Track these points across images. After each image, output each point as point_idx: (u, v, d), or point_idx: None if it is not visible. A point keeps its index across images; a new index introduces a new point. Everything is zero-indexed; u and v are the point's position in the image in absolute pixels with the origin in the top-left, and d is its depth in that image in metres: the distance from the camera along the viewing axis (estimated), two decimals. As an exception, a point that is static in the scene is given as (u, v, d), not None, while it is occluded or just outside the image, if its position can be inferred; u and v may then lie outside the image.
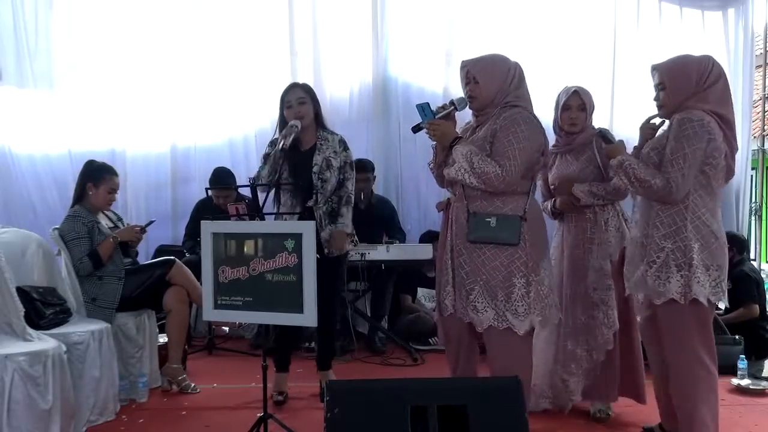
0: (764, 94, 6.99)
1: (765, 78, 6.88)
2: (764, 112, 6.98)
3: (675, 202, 2.69)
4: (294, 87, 3.64)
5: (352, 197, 3.63)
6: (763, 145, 6.88)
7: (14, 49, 5.23)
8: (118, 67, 5.39)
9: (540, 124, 2.85)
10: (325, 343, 3.75)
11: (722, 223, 2.81)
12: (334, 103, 5.62)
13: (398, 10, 5.72)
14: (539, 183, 3.35)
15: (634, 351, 3.34)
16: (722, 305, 3.50)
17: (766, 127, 7.04)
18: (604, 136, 3.00)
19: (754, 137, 6.84)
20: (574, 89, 3.36)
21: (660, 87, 2.83)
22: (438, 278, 2.98)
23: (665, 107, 2.82)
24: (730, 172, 2.78)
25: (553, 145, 3.41)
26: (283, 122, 3.57)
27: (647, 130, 2.97)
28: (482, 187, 2.74)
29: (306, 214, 3.39)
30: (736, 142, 2.80)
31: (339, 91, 5.69)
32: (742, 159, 6.06)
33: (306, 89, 3.63)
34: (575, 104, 3.34)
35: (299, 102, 3.53)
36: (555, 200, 3.41)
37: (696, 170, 2.67)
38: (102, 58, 5.38)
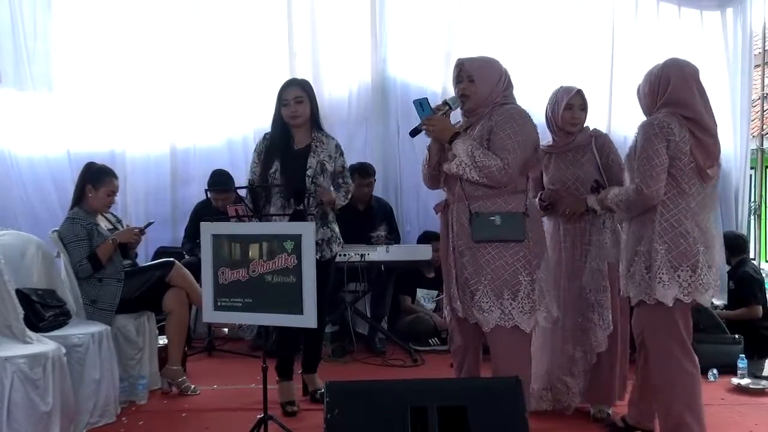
0: (763, 94, 6.99)
1: (764, 77, 6.88)
2: (763, 111, 6.98)
3: (652, 200, 2.70)
4: (292, 84, 3.54)
5: (340, 204, 3.55)
6: (762, 145, 6.88)
7: (13, 52, 5.22)
8: (117, 69, 5.38)
9: (532, 120, 2.86)
10: (313, 345, 3.69)
11: (715, 223, 2.84)
12: (333, 103, 5.62)
13: (397, 10, 5.72)
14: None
15: (622, 353, 3.37)
16: (719, 302, 3.50)
17: (764, 126, 7.04)
18: (599, 184, 3.13)
19: (753, 137, 6.83)
20: (577, 89, 3.34)
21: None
22: (445, 282, 2.98)
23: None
24: (702, 173, 2.73)
25: (550, 146, 3.40)
26: (278, 119, 3.49)
27: None
28: (483, 181, 2.73)
29: (295, 216, 3.31)
30: (713, 144, 2.76)
31: (338, 91, 5.68)
32: (741, 158, 6.06)
33: (304, 87, 3.53)
34: (578, 103, 3.32)
35: (296, 101, 3.45)
36: (541, 195, 3.38)
37: (664, 170, 2.69)
38: (101, 59, 5.37)
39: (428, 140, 3.02)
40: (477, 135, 2.81)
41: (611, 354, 3.28)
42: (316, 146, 3.49)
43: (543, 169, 3.40)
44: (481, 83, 2.82)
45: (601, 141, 3.34)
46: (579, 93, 3.32)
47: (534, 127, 2.84)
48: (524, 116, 2.80)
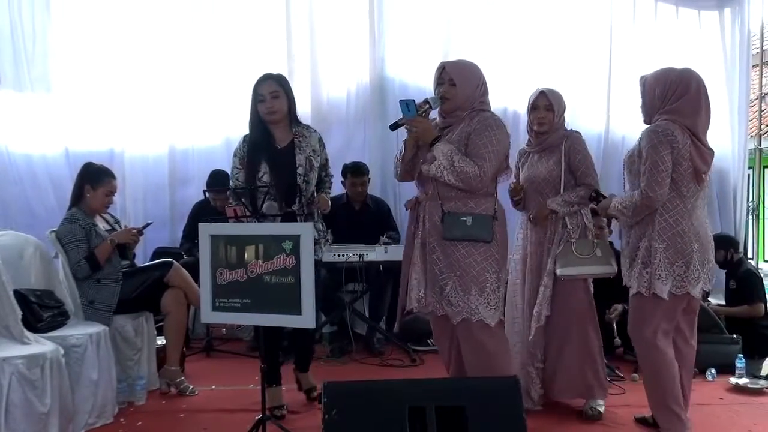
0: (760, 94, 7.01)
1: (761, 77, 6.89)
2: (761, 111, 7.00)
3: (656, 203, 2.87)
4: (267, 79, 3.40)
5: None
6: (760, 144, 6.89)
7: (11, 54, 5.21)
8: (116, 70, 5.38)
9: (506, 129, 2.99)
10: (305, 344, 3.68)
11: (712, 221, 2.96)
12: (331, 104, 5.64)
13: (395, 11, 5.73)
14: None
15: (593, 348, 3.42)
16: (715, 301, 3.59)
17: (762, 126, 7.06)
18: (598, 193, 3.19)
19: (751, 136, 6.84)
20: (540, 90, 3.43)
21: (641, 98, 3.03)
22: (404, 273, 3.06)
23: (644, 117, 3.02)
24: (698, 177, 2.91)
25: (527, 144, 3.56)
26: (256, 118, 3.40)
27: None
28: (459, 185, 2.85)
29: (287, 218, 3.25)
30: (709, 154, 2.93)
31: (336, 92, 5.69)
32: (739, 158, 6.08)
33: (280, 81, 3.41)
34: (542, 104, 3.41)
35: (273, 96, 3.35)
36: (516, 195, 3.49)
37: (668, 175, 2.83)
38: (99, 60, 5.37)
39: (406, 133, 3.06)
40: (455, 139, 2.91)
41: (560, 346, 3.35)
42: (299, 142, 3.41)
43: (519, 167, 3.53)
44: (461, 87, 2.93)
45: (570, 142, 3.40)
46: (543, 94, 3.41)
47: (507, 136, 2.96)
48: (500, 125, 2.94)
